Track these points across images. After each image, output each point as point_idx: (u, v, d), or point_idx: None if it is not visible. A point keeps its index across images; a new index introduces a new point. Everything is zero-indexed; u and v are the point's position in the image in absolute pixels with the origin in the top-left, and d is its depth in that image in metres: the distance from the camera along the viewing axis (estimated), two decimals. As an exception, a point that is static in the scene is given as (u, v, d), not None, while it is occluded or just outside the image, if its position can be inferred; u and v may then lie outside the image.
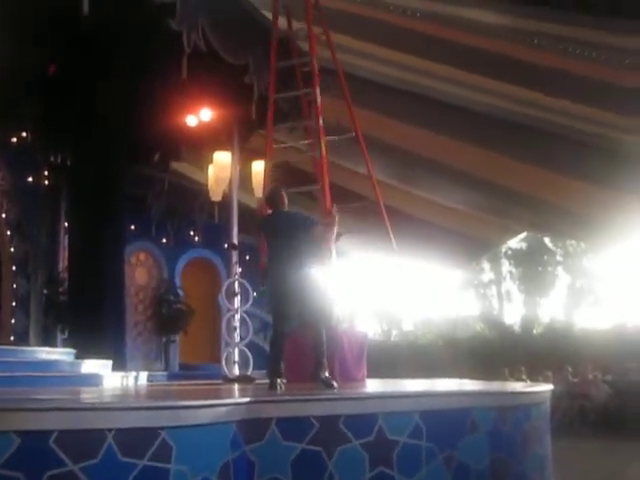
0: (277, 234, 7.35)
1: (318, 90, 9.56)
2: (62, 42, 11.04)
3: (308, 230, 7.31)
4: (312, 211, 9.66)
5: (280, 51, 10.16)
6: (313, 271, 7.46)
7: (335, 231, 8.08)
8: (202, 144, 12.78)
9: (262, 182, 10.21)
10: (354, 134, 10.07)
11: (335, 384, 7.06)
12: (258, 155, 11.22)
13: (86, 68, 11.58)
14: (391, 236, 10.19)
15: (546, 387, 8.46)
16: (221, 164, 12.38)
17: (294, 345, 7.91)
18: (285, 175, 11.71)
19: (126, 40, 10.64)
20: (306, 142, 10.62)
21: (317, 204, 10.27)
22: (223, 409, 5.12)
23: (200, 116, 11.98)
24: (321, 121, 9.60)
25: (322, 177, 9.48)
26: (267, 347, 18.09)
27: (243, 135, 12.24)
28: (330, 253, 8.66)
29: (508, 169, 13.17)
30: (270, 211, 7.79)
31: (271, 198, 7.70)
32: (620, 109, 10.79)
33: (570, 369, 18.09)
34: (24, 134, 14.23)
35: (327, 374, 7.21)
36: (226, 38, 9.89)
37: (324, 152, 9.41)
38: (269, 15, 10.41)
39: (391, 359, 20.13)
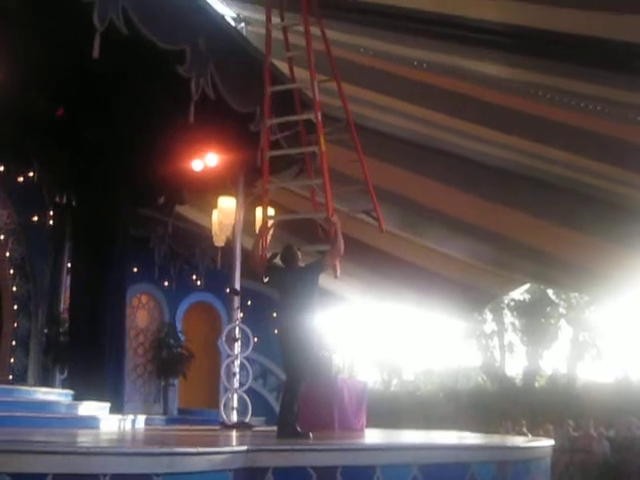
0: (287, 290, 7.43)
1: (324, 146, 8.93)
2: (70, 84, 11.15)
3: (318, 275, 7.43)
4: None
5: (286, 102, 10.11)
6: (315, 324, 7.48)
7: (340, 247, 7.95)
8: (207, 189, 12.81)
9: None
10: (364, 186, 9.85)
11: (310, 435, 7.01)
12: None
13: (93, 110, 11.70)
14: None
15: (547, 442, 8.40)
16: (225, 210, 12.40)
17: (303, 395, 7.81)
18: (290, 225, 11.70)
19: (134, 84, 10.75)
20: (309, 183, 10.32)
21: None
22: (220, 457, 5.08)
23: (206, 161, 12.02)
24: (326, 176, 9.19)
25: (331, 234, 9.07)
26: (266, 393, 18.13)
27: (248, 181, 12.27)
28: (335, 272, 8.48)
29: (512, 221, 13.18)
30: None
31: (284, 257, 7.74)
32: (628, 164, 10.81)
33: (572, 423, 17.93)
34: (30, 173, 14.32)
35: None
36: (234, 86, 9.95)
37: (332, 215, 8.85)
38: (280, 64, 10.44)
39: (391, 409, 20.04)
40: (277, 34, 10.19)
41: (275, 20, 10.05)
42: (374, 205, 9.43)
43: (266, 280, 8.11)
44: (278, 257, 7.88)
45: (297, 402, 7.33)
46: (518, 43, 9.31)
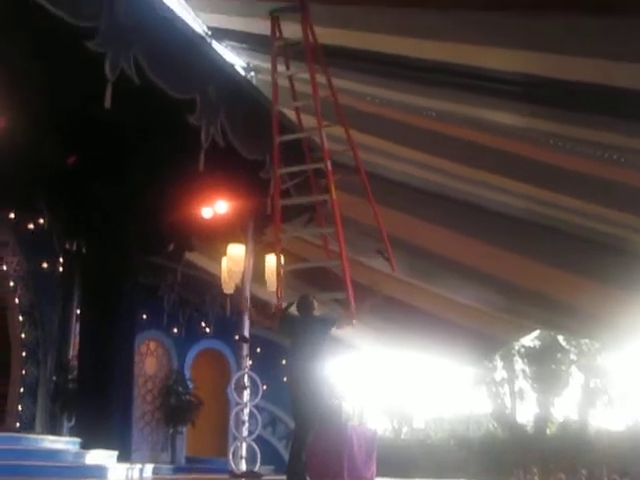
0: (298, 337, 7.44)
1: (334, 194, 8.84)
2: (80, 135, 11.23)
3: (331, 327, 7.45)
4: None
5: (295, 150, 10.11)
6: (325, 372, 7.47)
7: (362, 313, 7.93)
8: (216, 236, 12.85)
9: (274, 277, 9.71)
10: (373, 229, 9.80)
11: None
12: (273, 248, 11.21)
13: (104, 158, 11.78)
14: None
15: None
16: (235, 257, 12.42)
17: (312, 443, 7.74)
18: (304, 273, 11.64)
19: (144, 132, 10.83)
20: (321, 231, 10.24)
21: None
22: (229, 509, 5.03)
23: (215, 208, 12.07)
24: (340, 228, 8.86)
25: (346, 282, 8.94)
26: (275, 442, 18.01)
27: (258, 228, 12.30)
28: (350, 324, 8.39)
29: (523, 268, 13.12)
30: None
31: (300, 306, 7.74)
32: (635, 209, 10.77)
33: (584, 472, 17.71)
34: (41, 220, 14.41)
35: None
36: (244, 134, 10.03)
37: (346, 263, 8.48)
38: (289, 112, 10.49)
39: (401, 457, 19.82)
40: (286, 82, 10.26)
41: (281, 69, 10.10)
42: (385, 245, 9.39)
43: (279, 329, 8.11)
44: (294, 306, 7.88)
45: (306, 451, 7.27)
46: (533, 92, 9.31)
